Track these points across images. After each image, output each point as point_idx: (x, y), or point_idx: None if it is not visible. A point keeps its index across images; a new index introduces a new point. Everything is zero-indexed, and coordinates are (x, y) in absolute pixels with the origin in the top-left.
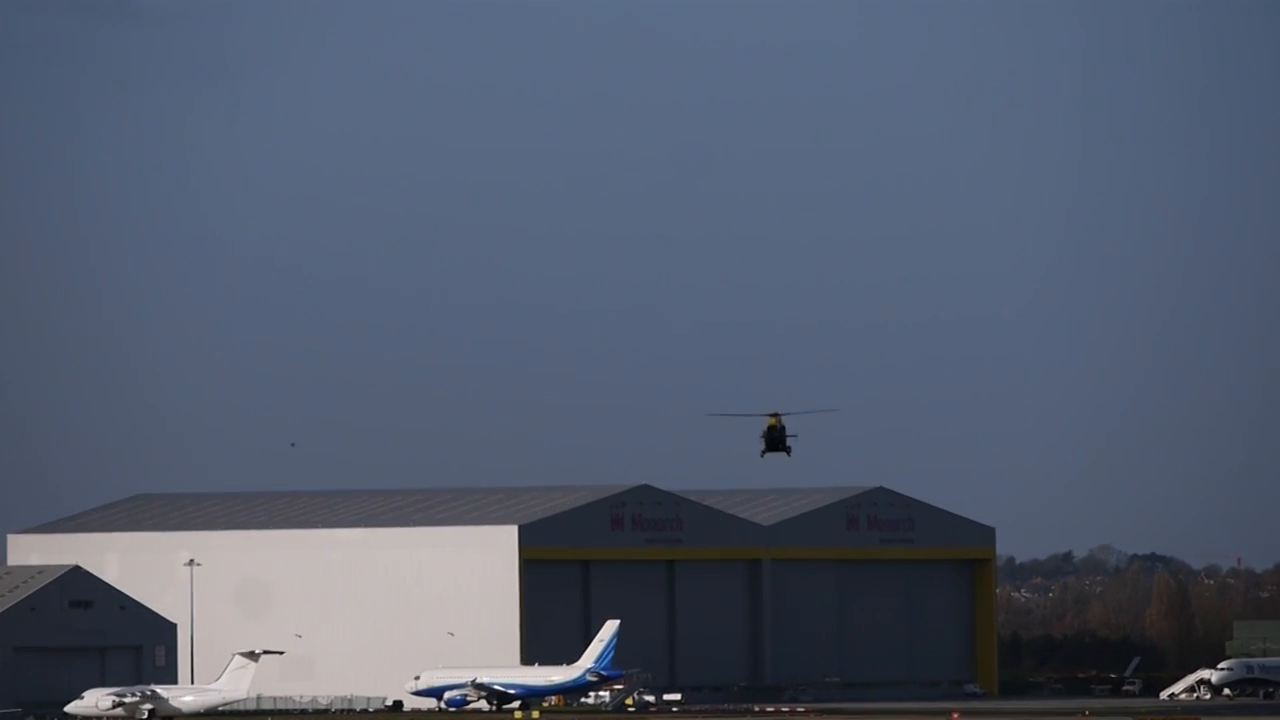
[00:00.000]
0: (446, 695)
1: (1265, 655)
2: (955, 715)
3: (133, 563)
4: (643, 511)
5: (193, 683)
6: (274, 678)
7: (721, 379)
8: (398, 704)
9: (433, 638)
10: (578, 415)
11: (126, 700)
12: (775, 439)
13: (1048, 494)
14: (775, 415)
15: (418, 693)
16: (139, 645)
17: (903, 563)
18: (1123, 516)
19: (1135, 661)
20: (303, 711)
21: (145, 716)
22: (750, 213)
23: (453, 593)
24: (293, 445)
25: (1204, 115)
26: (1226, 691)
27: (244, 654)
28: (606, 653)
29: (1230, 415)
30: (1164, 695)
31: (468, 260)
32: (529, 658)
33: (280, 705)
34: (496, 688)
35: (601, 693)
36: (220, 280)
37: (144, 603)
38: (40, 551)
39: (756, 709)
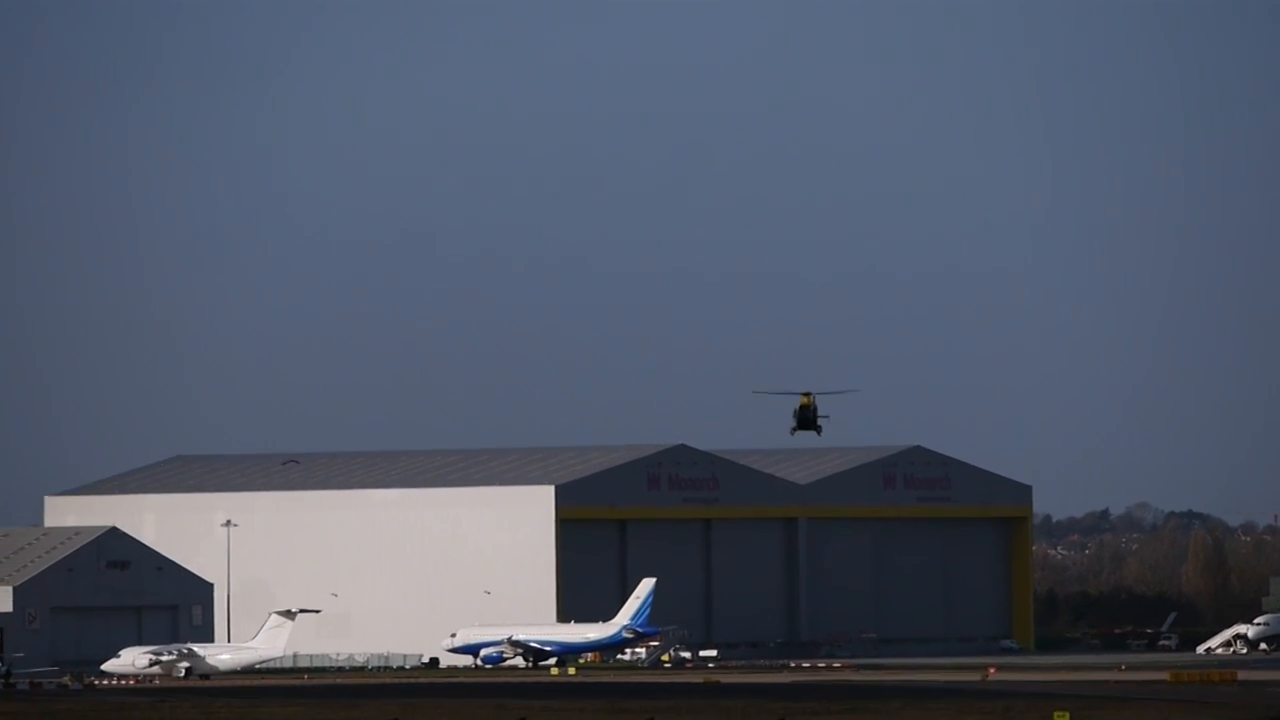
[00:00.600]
0: (483, 653)
1: None
2: (991, 670)
3: (170, 523)
4: (679, 471)
5: (229, 641)
6: (311, 636)
7: (757, 337)
8: (434, 661)
9: (469, 596)
10: (614, 375)
11: (164, 659)
12: (807, 419)
13: (1084, 452)
14: (807, 394)
15: (454, 650)
16: (176, 605)
17: (939, 521)
18: (1159, 474)
19: (1172, 617)
20: (339, 669)
21: (182, 675)
22: (785, 170)
23: (489, 552)
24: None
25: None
26: (1263, 646)
27: (280, 613)
28: (643, 610)
29: (1268, 372)
30: (1200, 650)
31: (507, 220)
32: (565, 615)
33: (317, 663)
34: (533, 645)
35: (638, 650)
36: (257, 240)
37: (181, 563)
38: (78, 513)
39: (793, 665)
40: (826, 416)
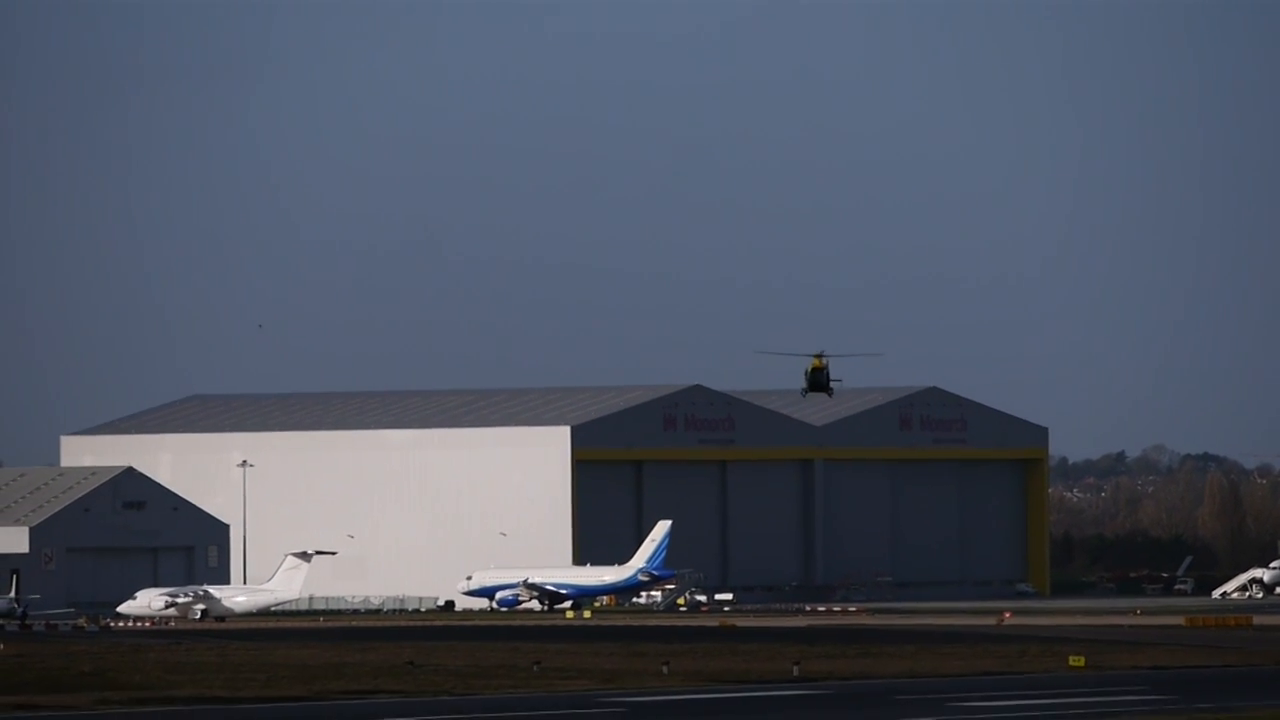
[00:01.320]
0: (498, 595)
1: None
2: (1007, 614)
3: (186, 464)
4: (695, 412)
5: (245, 583)
6: (326, 578)
7: (774, 278)
8: (450, 604)
9: (485, 538)
10: (631, 315)
11: (179, 600)
12: (819, 381)
13: (1101, 394)
14: (819, 356)
15: (469, 593)
16: (191, 546)
17: (955, 463)
18: (1175, 416)
19: (1188, 561)
20: (355, 611)
21: (198, 617)
22: (800, 109)
23: (505, 493)
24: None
25: None
26: (1279, 590)
27: (296, 554)
28: (658, 553)
29: None
30: (1216, 594)
31: (524, 159)
32: (581, 558)
33: (332, 605)
34: (548, 588)
35: (653, 593)
36: (275, 180)
37: (197, 504)
38: (93, 453)
39: (808, 608)
40: (839, 380)
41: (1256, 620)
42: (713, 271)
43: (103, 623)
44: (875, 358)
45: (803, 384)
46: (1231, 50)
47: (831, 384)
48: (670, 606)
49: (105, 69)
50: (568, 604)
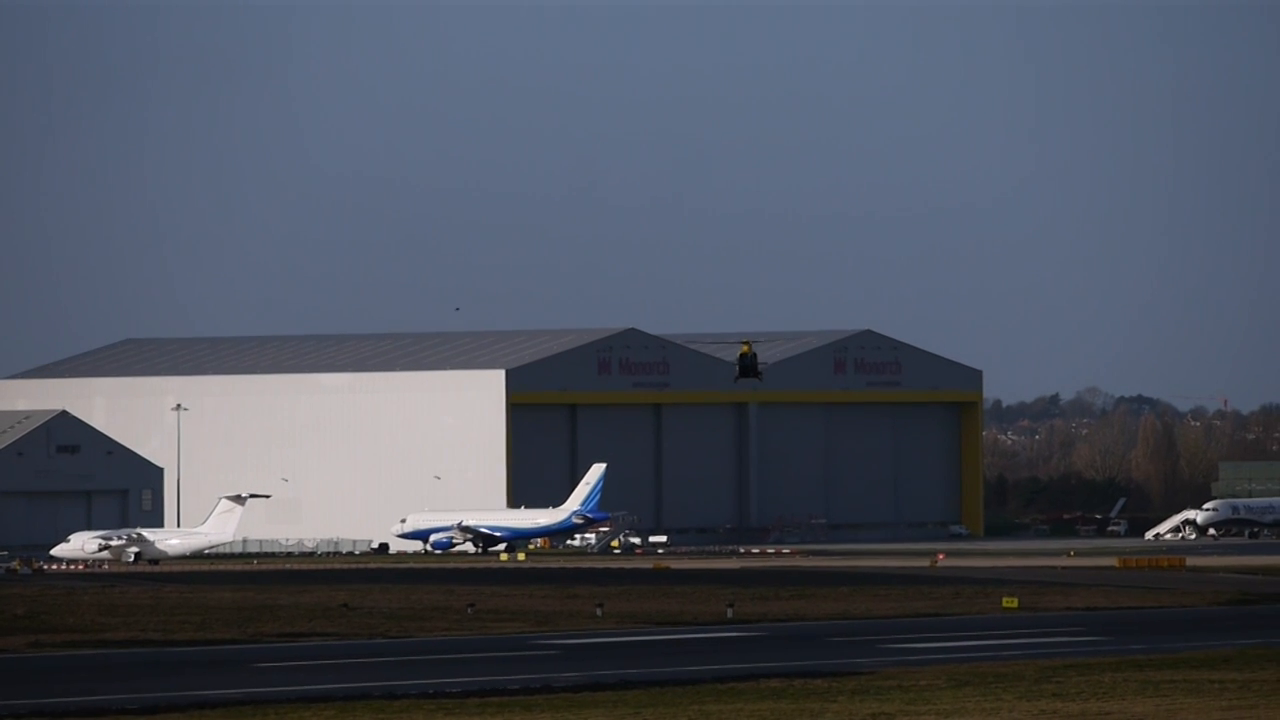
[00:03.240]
0: (432, 538)
1: (1250, 496)
2: (940, 556)
3: (120, 408)
4: (630, 355)
5: (179, 526)
6: (260, 521)
7: (709, 221)
8: (384, 547)
9: (419, 481)
10: (565, 259)
11: (113, 543)
12: (747, 366)
13: (1035, 337)
14: (747, 343)
15: (404, 535)
16: (125, 489)
17: (890, 405)
18: (1109, 359)
19: (1121, 503)
20: (289, 554)
21: (132, 560)
22: (745, 57)
23: (439, 437)
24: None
25: None
26: (1212, 531)
27: (230, 498)
28: (593, 495)
29: (1218, 258)
30: (1149, 536)
31: (463, 106)
32: (515, 501)
33: (267, 548)
34: (483, 530)
35: (588, 535)
36: (210, 123)
37: (131, 447)
38: (27, 396)
39: (743, 551)
40: (765, 365)
41: (1189, 562)
42: (645, 213)
43: (36, 566)
44: (811, 301)
45: (734, 371)
46: None
47: (760, 369)
48: (604, 549)
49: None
50: (502, 546)
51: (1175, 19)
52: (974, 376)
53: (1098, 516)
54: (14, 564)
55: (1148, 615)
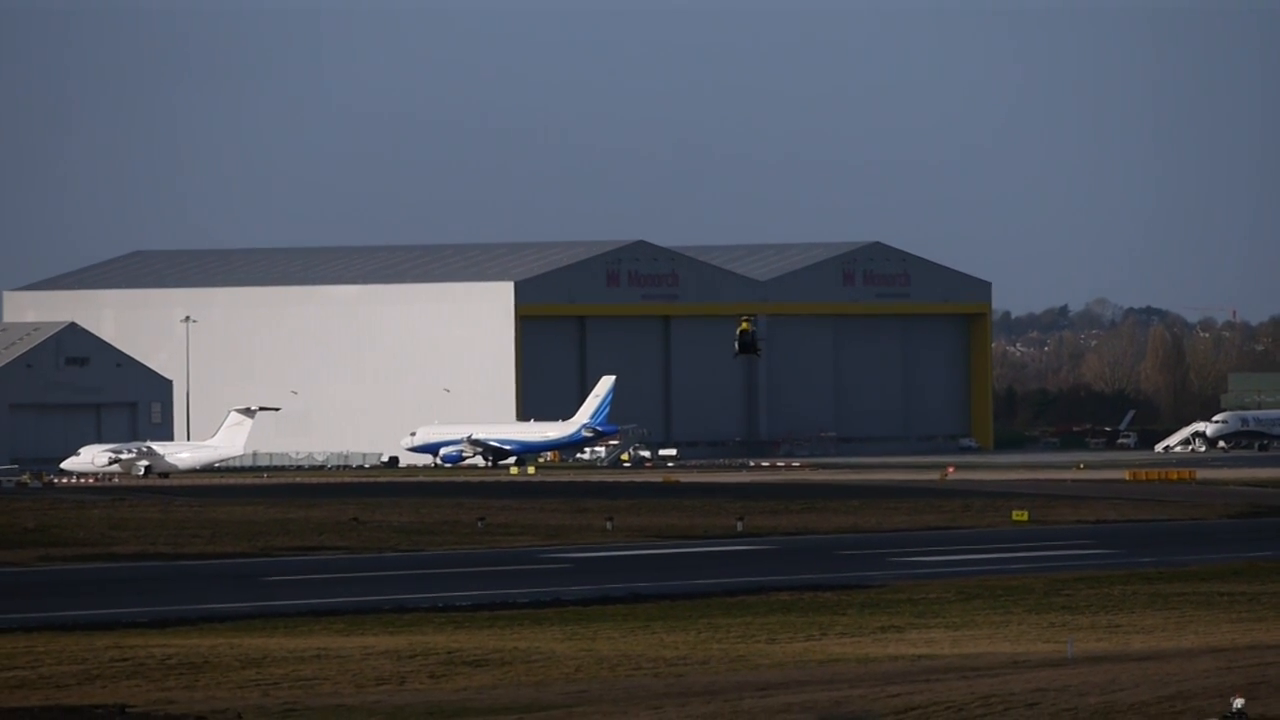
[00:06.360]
0: (442, 451)
1: (1259, 408)
2: (950, 469)
3: (129, 320)
4: (639, 267)
5: (189, 439)
6: (270, 434)
7: (717, 134)
8: (393, 460)
9: (429, 394)
10: (575, 171)
11: (123, 457)
12: (746, 343)
13: (1044, 248)
14: (746, 320)
15: (413, 449)
16: (135, 402)
17: (898, 317)
18: (1119, 270)
19: (1130, 414)
20: (299, 468)
21: (141, 473)
22: None
23: (449, 349)
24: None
25: None
26: (1221, 444)
27: (240, 410)
28: (602, 408)
29: (1226, 169)
30: (1159, 448)
31: (473, 17)
32: (525, 414)
33: (276, 461)
34: (492, 443)
35: (597, 448)
36: (220, 36)
37: (140, 360)
38: (36, 308)
39: (752, 464)
40: (764, 340)
41: (1199, 474)
42: (655, 125)
43: (46, 479)
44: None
45: (734, 347)
46: None
47: (759, 345)
48: (614, 462)
49: None
50: (512, 460)
51: None
52: (983, 288)
53: (1107, 429)
54: (24, 477)
55: (1157, 528)
